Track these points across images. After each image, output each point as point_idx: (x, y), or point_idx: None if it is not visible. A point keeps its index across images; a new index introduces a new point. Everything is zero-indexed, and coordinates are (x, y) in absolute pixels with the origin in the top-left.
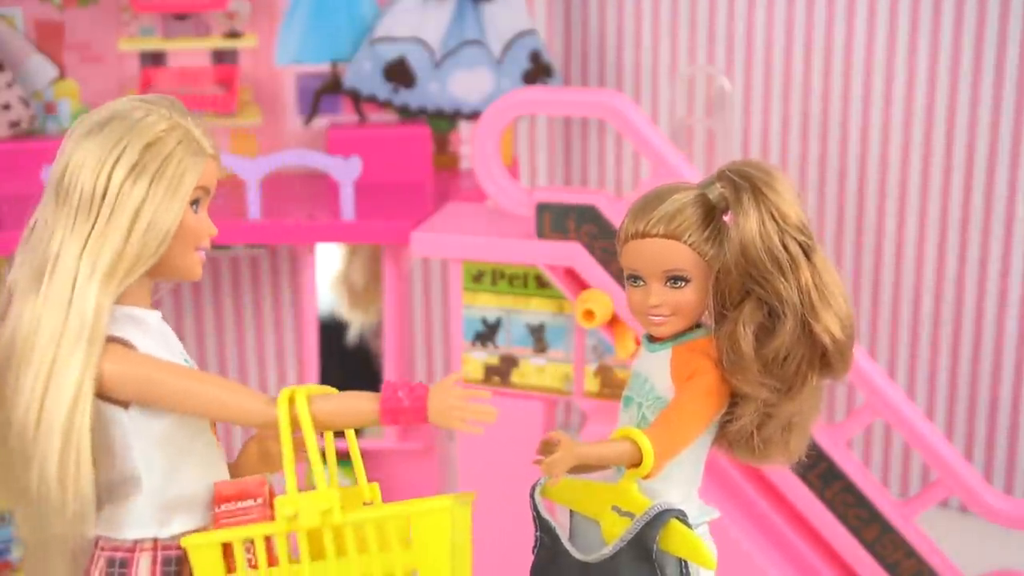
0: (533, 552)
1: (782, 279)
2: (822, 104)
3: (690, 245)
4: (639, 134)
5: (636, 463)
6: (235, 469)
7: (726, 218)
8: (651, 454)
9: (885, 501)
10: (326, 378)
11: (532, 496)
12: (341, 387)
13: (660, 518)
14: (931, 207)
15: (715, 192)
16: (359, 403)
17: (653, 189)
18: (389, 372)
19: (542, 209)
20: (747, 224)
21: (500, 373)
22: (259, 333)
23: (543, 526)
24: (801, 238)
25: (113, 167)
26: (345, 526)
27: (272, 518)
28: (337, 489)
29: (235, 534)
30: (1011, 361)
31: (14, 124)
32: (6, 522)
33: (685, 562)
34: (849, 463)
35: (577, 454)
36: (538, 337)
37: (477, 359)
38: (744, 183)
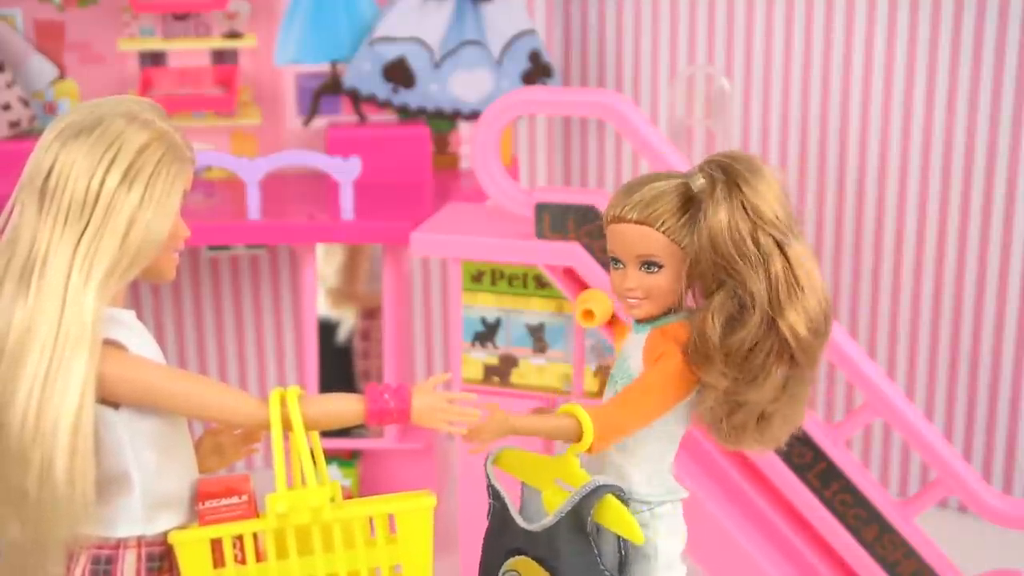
0: (487, 518)
1: (751, 272)
2: (822, 104)
3: (664, 232)
4: (638, 134)
5: (575, 439)
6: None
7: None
8: (591, 430)
9: (884, 501)
10: (323, 377)
11: (485, 465)
12: (334, 387)
13: (595, 493)
14: (930, 206)
15: (697, 182)
16: (346, 404)
17: (639, 176)
18: (389, 372)
19: (541, 209)
20: (716, 215)
21: (500, 373)
22: (259, 333)
23: (494, 494)
24: (775, 232)
25: (107, 172)
26: (333, 523)
27: (255, 515)
28: (326, 486)
29: (225, 531)
30: (1010, 361)
31: (14, 124)
32: None
33: (623, 540)
34: (848, 463)
35: (508, 426)
36: (538, 337)
37: (477, 359)
38: (721, 175)
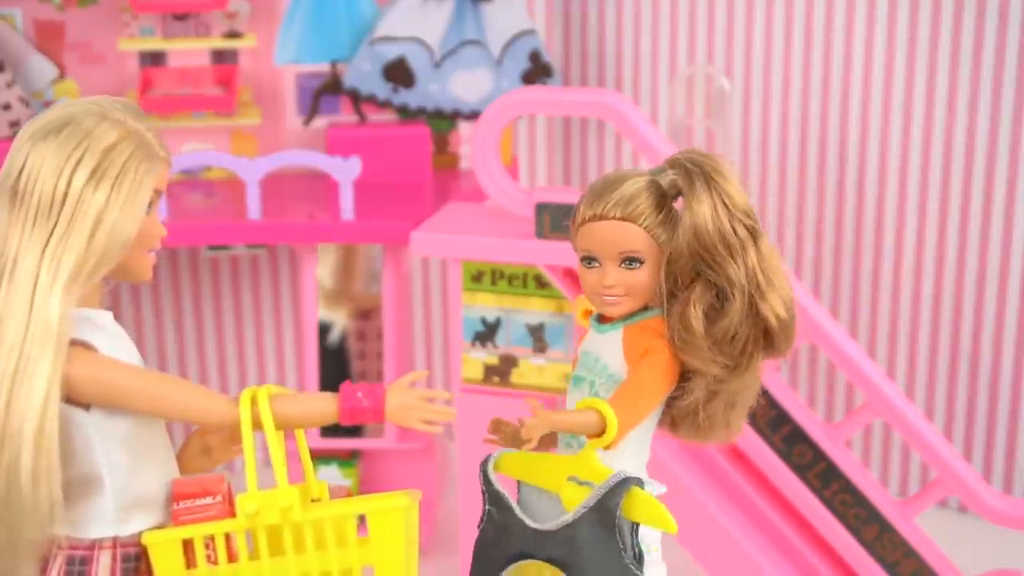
0: (478, 527)
1: (731, 261)
2: (822, 104)
3: (645, 228)
4: (638, 134)
5: (598, 433)
6: (176, 464)
7: (676, 204)
8: (615, 424)
9: (884, 501)
10: (323, 378)
11: (483, 471)
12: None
13: (622, 485)
14: (930, 206)
15: (667, 179)
16: (319, 403)
17: (605, 175)
18: (389, 373)
19: (541, 209)
20: (700, 209)
21: (500, 373)
22: (259, 333)
23: (493, 499)
24: (748, 222)
25: (73, 172)
26: (304, 523)
27: (231, 515)
28: (296, 487)
29: (196, 531)
30: (1010, 361)
31: (14, 124)
32: None
33: (636, 526)
34: (848, 463)
35: (551, 421)
36: (537, 337)
37: (477, 359)
38: (696, 170)
